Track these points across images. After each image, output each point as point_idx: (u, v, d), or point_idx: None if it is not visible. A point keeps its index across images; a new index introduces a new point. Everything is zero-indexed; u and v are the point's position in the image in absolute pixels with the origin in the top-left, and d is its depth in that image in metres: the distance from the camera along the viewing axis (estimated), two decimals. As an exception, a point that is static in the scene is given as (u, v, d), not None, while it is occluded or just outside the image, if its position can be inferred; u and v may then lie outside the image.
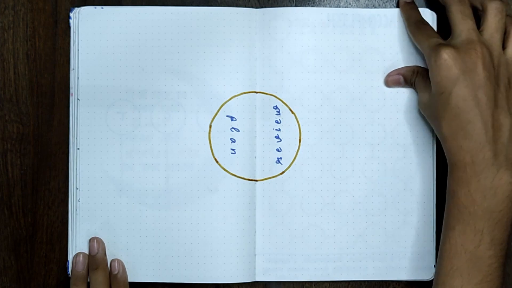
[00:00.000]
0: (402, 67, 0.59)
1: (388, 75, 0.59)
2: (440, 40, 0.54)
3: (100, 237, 0.59)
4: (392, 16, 0.59)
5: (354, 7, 0.60)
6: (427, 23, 0.57)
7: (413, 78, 0.57)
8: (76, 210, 0.59)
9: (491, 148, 0.50)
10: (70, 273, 0.58)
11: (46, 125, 0.60)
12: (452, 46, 0.52)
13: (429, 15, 0.59)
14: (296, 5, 0.60)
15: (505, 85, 0.52)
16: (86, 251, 0.59)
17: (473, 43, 0.52)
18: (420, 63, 0.59)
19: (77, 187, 0.59)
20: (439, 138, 0.54)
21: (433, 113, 0.54)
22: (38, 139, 0.60)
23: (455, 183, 0.52)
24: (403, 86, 0.59)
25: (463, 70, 0.51)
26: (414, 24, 0.57)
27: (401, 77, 0.58)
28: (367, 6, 0.60)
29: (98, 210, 0.59)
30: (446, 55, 0.51)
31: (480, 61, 0.51)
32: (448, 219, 0.53)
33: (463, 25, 0.53)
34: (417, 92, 0.58)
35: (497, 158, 0.50)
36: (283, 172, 0.59)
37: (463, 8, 0.53)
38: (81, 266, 0.58)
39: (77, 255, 0.58)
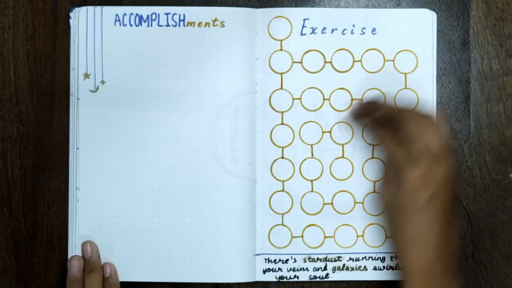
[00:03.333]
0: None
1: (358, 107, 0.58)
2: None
3: (100, 236, 0.59)
4: (390, 16, 0.59)
5: (354, 7, 0.60)
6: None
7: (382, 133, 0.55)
8: (76, 210, 0.59)
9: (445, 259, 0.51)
10: (69, 274, 0.59)
11: (46, 125, 0.60)
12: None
13: (429, 15, 0.59)
14: (296, 5, 0.60)
15: None
16: (86, 252, 0.59)
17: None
18: (420, 64, 0.59)
19: (77, 187, 0.59)
20: (398, 243, 0.52)
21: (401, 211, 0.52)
22: (38, 139, 0.60)
23: None
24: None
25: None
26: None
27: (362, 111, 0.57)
28: (367, 6, 0.60)
29: (98, 210, 0.59)
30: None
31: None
32: None
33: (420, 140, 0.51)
34: (384, 151, 0.56)
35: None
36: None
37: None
38: (76, 269, 0.58)
39: (71, 258, 0.58)
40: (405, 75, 0.59)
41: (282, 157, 0.59)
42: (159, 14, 0.59)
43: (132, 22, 0.59)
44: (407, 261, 0.51)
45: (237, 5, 0.60)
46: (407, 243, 0.51)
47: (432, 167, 0.50)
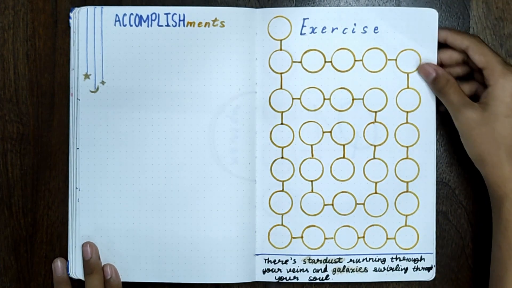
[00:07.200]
0: (440, 68, 0.57)
1: (427, 64, 0.57)
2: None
3: (100, 236, 0.59)
4: (393, 15, 0.59)
5: (354, 6, 0.60)
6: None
7: (445, 86, 0.56)
8: (76, 210, 0.59)
9: None
10: (69, 273, 0.59)
11: (46, 125, 0.60)
12: None
13: (432, 14, 0.58)
14: (296, 5, 0.60)
15: None
16: (86, 251, 0.59)
17: None
18: (423, 63, 0.59)
19: (77, 187, 0.59)
20: (485, 161, 0.53)
21: (488, 133, 0.53)
22: (38, 139, 0.60)
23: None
24: (427, 82, 0.58)
25: None
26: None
27: (434, 74, 0.57)
28: (367, 6, 0.60)
29: (98, 210, 0.59)
30: None
31: None
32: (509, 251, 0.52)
33: None
34: (447, 105, 0.56)
35: None
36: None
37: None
38: (60, 271, 0.59)
39: (54, 261, 0.59)
40: (407, 74, 0.59)
41: (282, 157, 0.59)
42: (159, 14, 0.59)
43: (132, 22, 0.59)
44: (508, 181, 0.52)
45: (237, 5, 0.60)
46: (507, 158, 0.52)
47: None
